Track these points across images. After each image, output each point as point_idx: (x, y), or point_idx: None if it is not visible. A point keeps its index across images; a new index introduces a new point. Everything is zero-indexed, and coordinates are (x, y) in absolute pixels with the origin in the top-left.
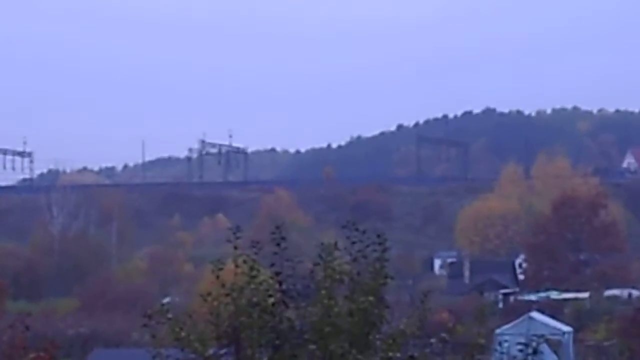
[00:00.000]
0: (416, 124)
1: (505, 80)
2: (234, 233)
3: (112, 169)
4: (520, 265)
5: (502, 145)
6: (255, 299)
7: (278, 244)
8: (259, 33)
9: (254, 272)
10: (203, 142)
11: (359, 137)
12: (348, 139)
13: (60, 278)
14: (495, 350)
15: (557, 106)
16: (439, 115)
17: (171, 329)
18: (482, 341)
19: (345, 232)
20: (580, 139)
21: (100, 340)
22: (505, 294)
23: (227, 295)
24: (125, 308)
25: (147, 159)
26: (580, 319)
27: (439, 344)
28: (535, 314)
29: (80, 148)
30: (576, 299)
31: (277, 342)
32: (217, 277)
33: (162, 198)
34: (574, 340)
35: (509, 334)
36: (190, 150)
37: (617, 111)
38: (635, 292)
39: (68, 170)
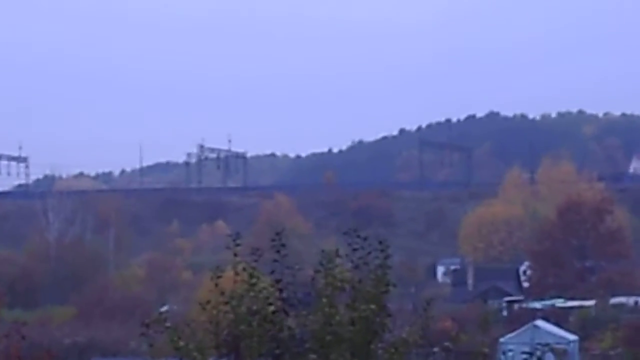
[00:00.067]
0: (419, 128)
1: (509, 84)
2: (234, 240)
3: (109, 174)
4: (524, 272)
5: (506, 150)
6: (255, 307)
7: (278, 251)
8: (259, 37)
9: (254, 280)
10: (202, 146)
11: (360, 142)
12: (349, 143)
13: (57, 285)
14: (500, 359)
15: (562, 110)
16: (442, 119)
17: (169, 338)
18: (486, 350)
19: (346, 239)
20: (586, 143)
21: (98, 350)
22: (509, 302)
23: (227, 303)
24: (123, 316)
25: (145, 163)
26: (585, 327)
27: (442, 353)
28: (540, 322)
29: (77, 153)
30: (582, 306)
31: (277, 351)
32: (216, 284)
33: (160, 204)
34: (580, 349)
35: (514, 343)
36: (189, 155)
37: (623, 115)
38: None
39: (64, 176)
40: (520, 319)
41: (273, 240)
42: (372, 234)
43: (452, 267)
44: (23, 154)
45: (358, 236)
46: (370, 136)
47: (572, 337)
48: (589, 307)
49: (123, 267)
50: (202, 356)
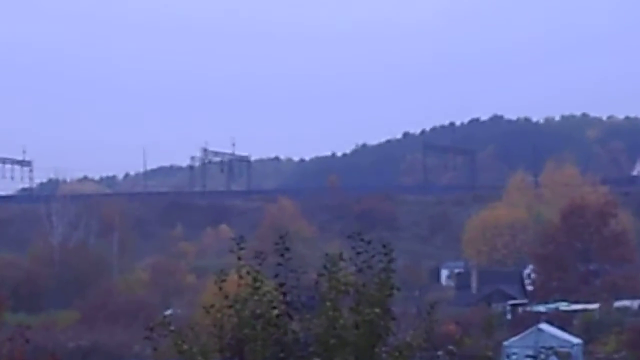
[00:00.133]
0: (422, 132)
1: (513, 87)
2: (237, 243)
3: (113, 177)
4: (528, 275)
5: (510, 153)
6: (259, 311)
7: (282, 255)
8: (263, 40)
9: (258, 283)
10: (206, 150)
11: (364, 145)
12: (353, 147)
13: (61, 289)
14: None
15: (566, 113)
16: (446, 122)
17: (174, 342)
18: (490, 353)
19: (350, 242)
20: (590, 146)
21: (101, 353)
22: (513, 305)
23: (231, 306)
24: (127, 320)
25: (149, 167)
26: (589, 330)
27: (446, 357)
28: (544, 326)
29: (81, 157)
30: (586, 310)
31: (281, 354)
32: (220, 288)
33: (164, 207)
34: (584, 353)
35: (518, 346)
36: (193, 158)
37: (627, 118)
38: None
39: (68, 180)
40: (524, 322)
41: (277, 243)
42: (376, 237)
43: (456, 271)
44: (27, 158)
45: (362, 240)
46: (374, 140)
47: (576, 340)
48: (593, 310)
49: (127, 271)
50: None
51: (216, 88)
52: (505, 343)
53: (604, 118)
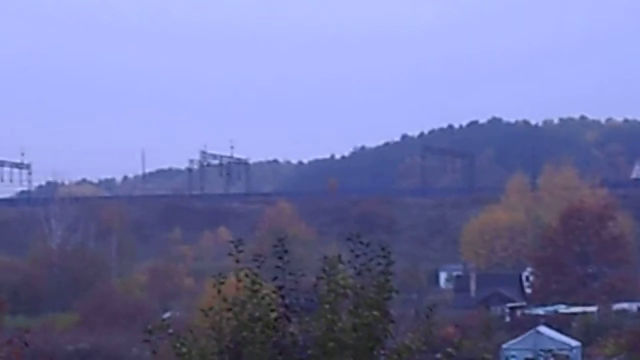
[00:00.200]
0: (421, 134)
1: (511, 90)
2: (236, 246)
3: (112, 180)
4: (527, 278)
5: (509, 156)
6: (257, 314)
7: (280, 257)
8: (261, 43)
9: (256, 286)
10: (204, 153)
11: (362, 148)
12: (351, 149)
13: (59, 292)
14: None
15: (564, 116)
16: (445, 125)
17: (172, 345)
18: (489, 356)
19: (349, 245)
20: (588, 149)
21: (100, 356)
22: (512, 308)
23: (229, 309)
24: (125, 323)
25: (147, 170)
26: (588, 333)
27: None
28: (542, 329)
29: (79, 159)
30: (584, 312)
31: (279, 357)
32: (219, 291)
33: (162, 210)
34: (582, 355)
35: (516, 349)
36: (191, 161)
37: (626, 120)
38: None
39: (66, 182)
40: (522, 325)
41: (275, 246)
42: (374, 240)
43: (455, 274)
44: (25, 161)
45: (360, 242)
46: (373, 142)
47: (574, 343)
48: (591, 313)
49: (125, 273)
50: None
51: (215, 91)
52: (504, 346)
53: (603, 121)
